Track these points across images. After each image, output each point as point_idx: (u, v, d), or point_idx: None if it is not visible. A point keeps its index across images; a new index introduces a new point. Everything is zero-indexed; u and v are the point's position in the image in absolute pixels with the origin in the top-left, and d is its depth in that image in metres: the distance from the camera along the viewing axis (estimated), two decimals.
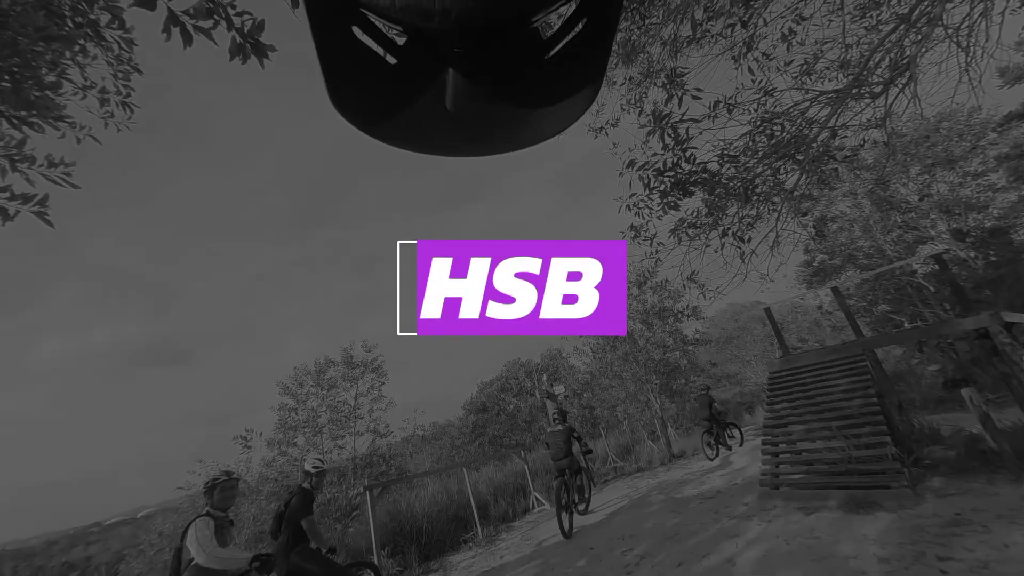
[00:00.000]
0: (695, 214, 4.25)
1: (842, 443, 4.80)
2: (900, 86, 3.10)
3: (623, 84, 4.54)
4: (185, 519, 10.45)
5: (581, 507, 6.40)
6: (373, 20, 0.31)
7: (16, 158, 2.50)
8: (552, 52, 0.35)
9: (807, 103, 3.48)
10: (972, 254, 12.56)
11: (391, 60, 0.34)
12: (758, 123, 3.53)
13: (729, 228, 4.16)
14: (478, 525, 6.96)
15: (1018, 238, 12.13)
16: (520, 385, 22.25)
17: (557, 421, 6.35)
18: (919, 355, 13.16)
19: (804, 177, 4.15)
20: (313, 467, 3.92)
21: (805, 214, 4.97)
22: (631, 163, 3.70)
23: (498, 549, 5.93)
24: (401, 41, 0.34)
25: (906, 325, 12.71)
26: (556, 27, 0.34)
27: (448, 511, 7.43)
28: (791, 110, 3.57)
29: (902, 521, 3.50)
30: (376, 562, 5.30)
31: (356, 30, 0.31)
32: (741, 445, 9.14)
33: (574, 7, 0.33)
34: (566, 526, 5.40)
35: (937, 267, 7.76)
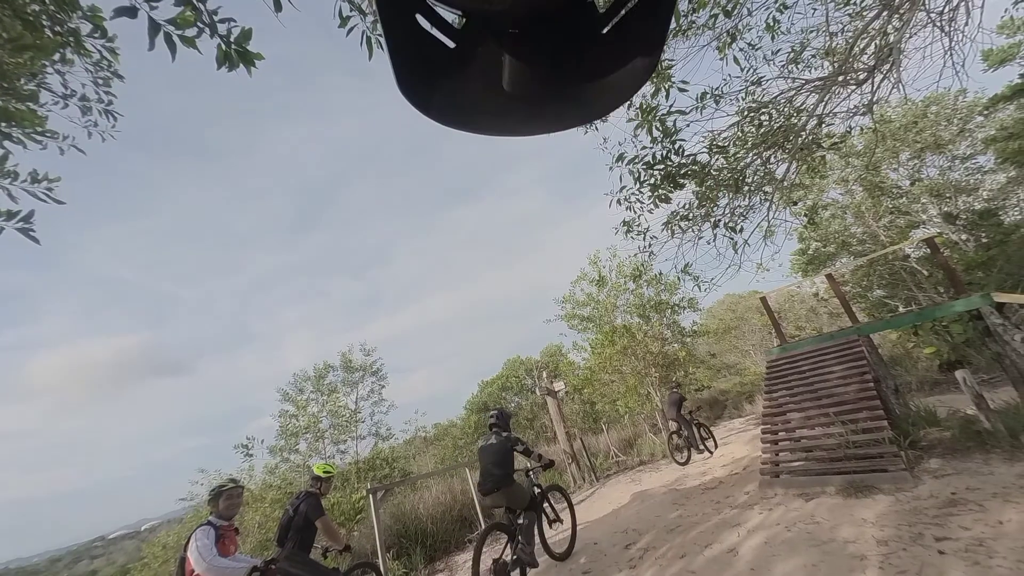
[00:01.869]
0: (686, 206, 4.26)
1: (840, 429, 4.84)
2: (885, 72, 3.12)
3: None
4: (189, 530, 10.40)
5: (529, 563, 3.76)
6: (433, 5, 0.32)
7: None
8: (609, 26, 0.34)
9: (794, 91, 3.50)
10: (963, 237, 12.67)
11: (451, 44, 0.34)
12: (746, 113, 3.55)
13: (721, 219, 4.17)
14: (482, 524, 6.98)
15: (1007, 219, 12.25)
16: (521, 383, 22.28)
17: (491, 429, 4.09)
18: (914, 339, 13.28)
19: (794, 166, 4.17)
20: (324, 472, 3.88)
21: (796, 203, 5.00)
22: (620, 157, 3.70)
23: (500, 547, 5.95)
24: (460, 24, 0.34)
25: (901, 309, 12.82)
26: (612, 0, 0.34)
27: (452, 511, 7.44)
28: (778, 99, 3.58)
29: (900, 503, 3.54)
30: (381, 564, 5.31)
31: (419, 17, 0.32)
32: (711, 453, 8.10)
33: None
34: (529, 560, 3.54)
35: (929, 251, 7.82)
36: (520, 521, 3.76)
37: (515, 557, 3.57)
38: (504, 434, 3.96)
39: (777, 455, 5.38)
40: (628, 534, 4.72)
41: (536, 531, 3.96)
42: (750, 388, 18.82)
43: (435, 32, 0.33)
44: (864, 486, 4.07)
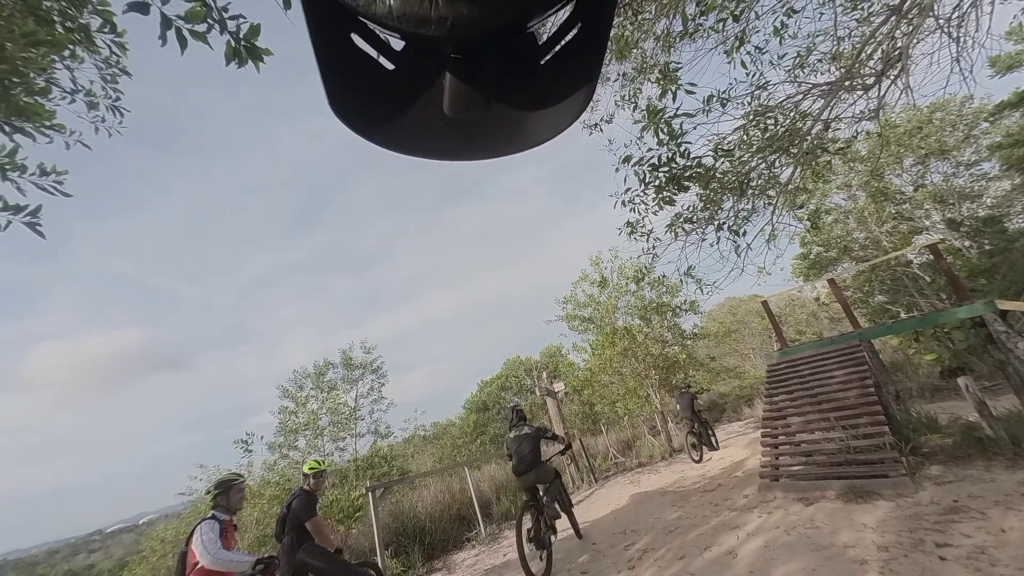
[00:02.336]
0: (690, 209, 4.26)
1: (840, 434, 4.84)
2: (892, 77, 3.12)
3: (617, 80, 4.54)
4: (188, 524, 10.46)
5: (552, 533, 4.49)
6: (371, 27, 0.31)
7: (7, 167, 2.49)
8: (547, 57, 0.35)
9: (800, 96, 3.50)
10: (967, 243, 12.63)
11: (389, 66, 0.34)
12: (752, 117, 3.54)
13: (724, 222, 4.17)
14: (481, 523, 6.99)
15: (1012, 226, 12.21)
16: (520, 383, 22.28)
17: (518, 423, 4.85)
18: (915, 345, 13.25)
19: (798, 170, 4.16)
20: (311, 469, 3.92)
21: (800, 207, 5.00)
22: (626, 159, 3.71)
23: (501, 547, 5.96)
24: (399, 47, 0.34)
25: (902, 315, 12.79)
26: (551, 33, 0.35)
27: (451, 510, 7.45)
28: (784, 103, 3.58)
29: (900, 509, 3.53)
30: (380, 562, 5.32)
31: (355, 37, 0.32)
32: (715, 448, 8.61)
33: (568, 13, 0.33)
34: (536, 568, 3.91)
35: (932, 257, 7.81)
36: (545, 495, 4.61)
37: (545, 523, 4.32)
38: (534, 425, 4.81)
39: (777, 459, 5.38)
40: (627, 535, 4.72)
41: (558, 497, 4.75)
42: (749, 392, 18.80)
43: (372, 52, 0.33)
44: (864, 491, 4.07)
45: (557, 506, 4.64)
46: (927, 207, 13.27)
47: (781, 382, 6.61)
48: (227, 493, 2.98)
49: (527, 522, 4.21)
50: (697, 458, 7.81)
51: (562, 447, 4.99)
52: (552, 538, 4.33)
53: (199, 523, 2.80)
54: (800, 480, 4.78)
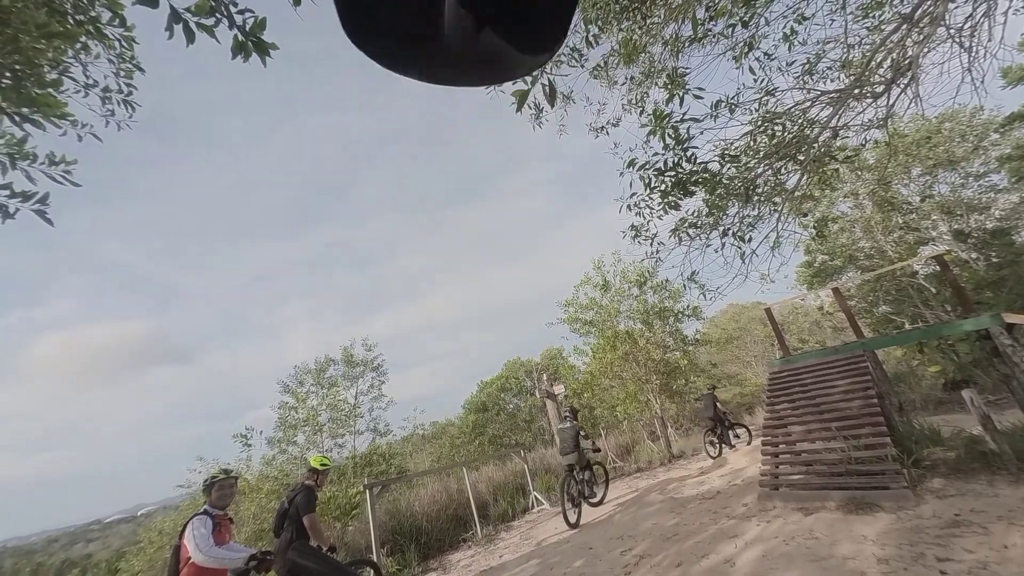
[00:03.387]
0: (696, 214, 4.24)
1: (842, 444, 4.80)
2: (902, 86, 3.10)
3: (624, 84, 4.54)
4: (185, 517, 10.48)
5: (593, 500, 6.77)
6: None
7: (16, 156, 2.51)
8: None
9: (808, 103, 3.48)
10: (974, 255, 12.53)
11: None
12: (759, 123, 3.53)
13: (730, 228, 4.15)
14: (477, 524, 6.97)
15: (1019, 239, 12.10)
16: (520, 385, 22.24)
17: (567, 419, 6.84)
18: (920, 356, 13.13)
19: (805, 177, 4.14)
20: (321, 465, 3.95)
21: (806, 214, 4.96)
22: (632, 163, 3.70)
23: (497, 548, 5.94)
24: None
25: (907, 326, 12.69)
26: None
27: (447, 510, 7.44)
28: (792, 110, 3.56)
29: (901, 522, 3.50)
30: (375, 559, 5.31)
31: None
32: (749, 443, 9.12)
33: None
34: (572, 517, 5.76)
35: (938, 268, 7.75)
36: (581, 476, 6.47)
37: (579, 489, 6.29)
38: (575, 422, 6.69)
39: (777, 467, 5.34)
40: (624, 540, 4.70)
41: (597, 477, 6.98)
42: (750, 399, 18.70)
43: None
44: (865, 503, 4.03)
45: (586, 481, 6.58)
46: (934, 218, 13.18)
47: (783, 390, 6.56)
48: (209, 490, 2.99)
49: (569, 487, 5.99)
50: (715, 454, 8.37)
51: (592, 447, 6.78)
52: (588, 500, 6.49)
53: (192, 518, 2.80)
54: (800, 489, 4.74)
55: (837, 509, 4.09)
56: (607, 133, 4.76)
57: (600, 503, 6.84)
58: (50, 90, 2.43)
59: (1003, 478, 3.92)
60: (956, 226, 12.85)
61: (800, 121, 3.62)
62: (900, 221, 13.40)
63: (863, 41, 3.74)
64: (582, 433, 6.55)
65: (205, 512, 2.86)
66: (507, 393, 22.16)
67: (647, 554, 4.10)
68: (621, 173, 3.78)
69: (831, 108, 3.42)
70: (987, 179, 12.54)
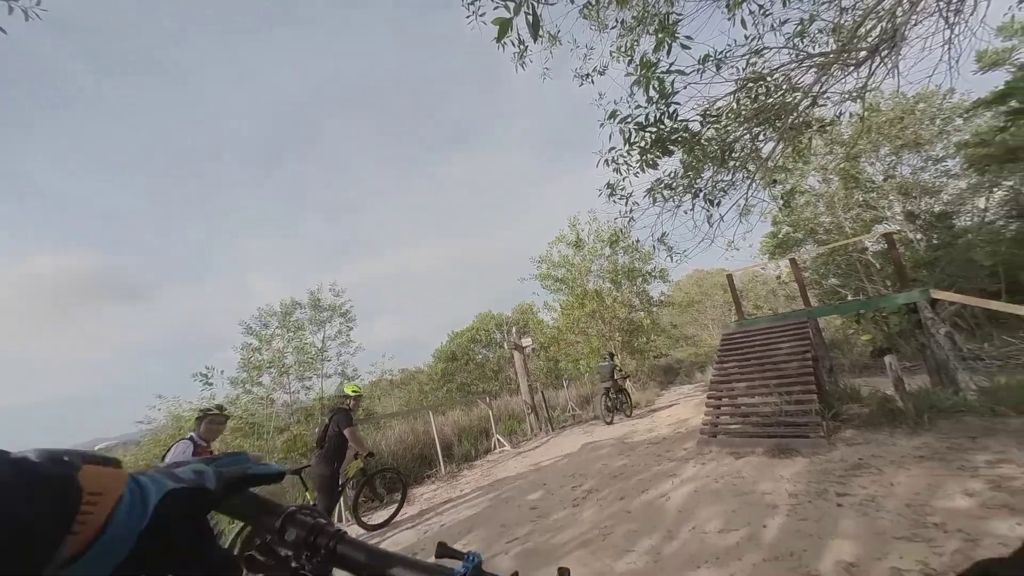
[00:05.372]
0: (671, 175, 4.24)
1: (776, 399, 5.32)
2: (883, 55, 3.10)
3: (615, 28, 4.27)
4: (147, 451, 10.47)
5: (619, 417, 9.08)
6: None
7: None
8: None
9: (795, 65, 3.42)
10: (919, 236, 13.44)
11: None
12: (744, 82, 3.46)
13: (702, 190, 4.20)
14: (441, 463, 7.39)
15: (959, 223, 13.03)
16: (490, 337, 22.75)
17: (606, 358, 9.53)
18: (856, 326, 14.40)
19: (781, 145, 4.19)
20: (354, 392, 4.77)
21: (776, 181, 5.07)
22: (613, 114, 3.58)
23: (459, 483, 6.36)
24: None
25: (849, 298, 13.74)
26: None
27: (413, 450, 7.80)
28: (777, 73, 3.51)
29: (814, 465, 4.00)
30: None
31: None
32: (629, 415, 9.27)
33: None
34: (608, 419, 8.55)
35: (886, 246, 8.29)
36: (614, 395, 9.14)
37: (613, 403, 9.04)
38: (612, 361, 9.42)
39: (718, 418, 5.89)
40: (575, 478, 5.14)
41: (625, 400, 9.45)
42: (703, 359, 20.11)
43: None
44: (788, 449, 4.56)
45: (619, 400, 9.22)
46: (891, 198, 13.86)
47: (734, 350, 7.08)
48: (200, 422, 3.12)
49: (604, 402, 8.75)
50: (609, 420, 8.68)
51: (622, 376, 9.85)
52: (623, 411, 9.26)
53: (175, 443, 2.89)
54: (735, 437, 5.28)
55: (764, 454, 4.61)
56: (592, 82, 4.55)
57: (631, 415, 9.20)
58: None
59: (903, 430, 4.52)
60: (909, 207, 13.62)
61: (783, 85, 3.59)
62: (861, 199, 14.02)
63: (856, 4, 3.65)
64: (617, 368, 9.26)
65: (190, 438, 2.95)
66: (477, 344, 22.67)
67: (595, 489, 4.53)
68: (601, 124, 3.67)
69: (815, 73, 3.39)
70: (944, 164, 13.17)
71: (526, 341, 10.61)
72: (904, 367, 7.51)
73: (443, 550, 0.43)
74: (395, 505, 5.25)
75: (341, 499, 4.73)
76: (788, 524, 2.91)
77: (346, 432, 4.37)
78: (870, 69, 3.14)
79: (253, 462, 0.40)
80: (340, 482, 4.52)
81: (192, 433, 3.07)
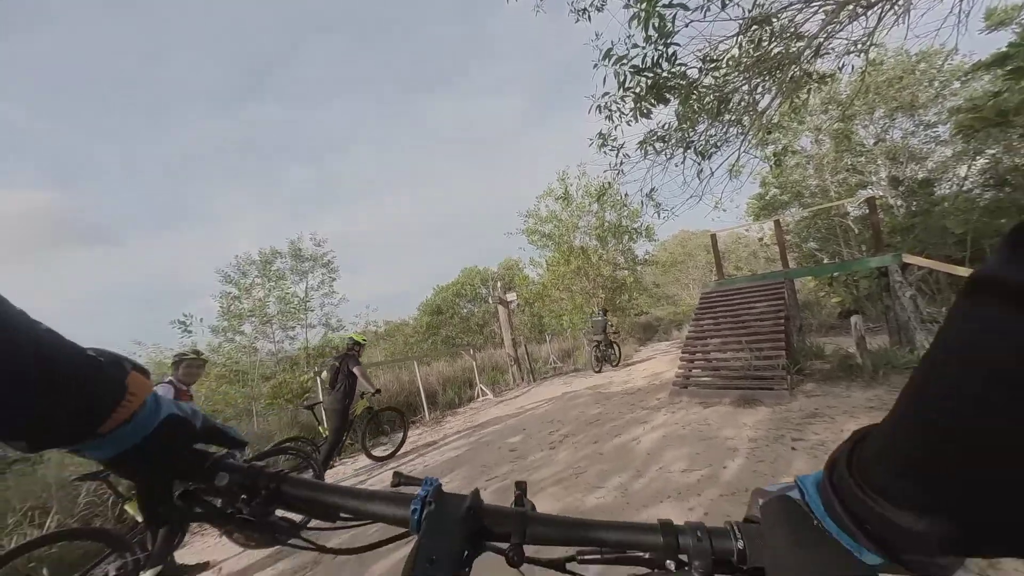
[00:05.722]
0: (665, 127, 4.09)
1: (747, 355, 5.59)
2: (893, 1, 2.93)
3: None
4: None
5: (611, 364, 9.71)
6: None
7: None
8: None
9: (802, 5, 3.21)
10: (899, 202, 13.66)
11: None
12: (749, 22, 3.24)
13: (694, 142, 4.09)
14: (426, 409, 7.66)
15: (939, 191, 13.24)
16: (475, 292, 22.86)
17: (599, 313, 9.85)
18: (828, 288, 14.95)
19: (778, 100, 4.05)
20: (363, 339, 5.23)
21: (770, 132, 4.95)
22: (607, 53, 3.34)
23: (442, 428, 6.65)
24: None
25: (825, 262, 14.14)
26: None
27: (398, 398, 8.03)
28: (783, 12, 3.29)
29: (775, 414, 4.30)
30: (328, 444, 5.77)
31: None
32: (616, 365, 9.89)
33: None
34: (597, 368, 9.23)
35: (867, 210, 8.41)
36: (605, 347, 9.61)
37: (604, 354, 9.60)
38: (605, 317, 9.79)
39: (690, 371, 6.19)
40: (553, 424, 5.42)
41: (615, 352, 9.99)
42: (682, 318, 20.80)
43: None
44: (752, 400, 4.87)
45: (608, 353, 9.73)
46: (879, 163, 13.88)
47: (710, 308, 7.30)
48: (178, 366, 3.13)
49: (596, 353, 9.36)
50: (598, 369, 9.39)
51: (613, 330, 10.22)
52: (610, 362, 9.76)
53: (156, 385, 2.87)
54: (704, 388, 5.59)
55: (731, 404, 4.92)
56: (589, 18, 4.21)
57: (617, 366, 9.74)
58: None
59: (859, 384, 4.85)
60: (895, 172, 13.70)
61: (789, 30, 3.39)
62: (849, 162, 14.00)
63: None
64: (609, 323, 9.78)
65: (169, 382, 2.97)
66: (462, 299, 22.80)
67: (571, 434, 4.79)
68: (595, 65, 3.44)
69: (823, 19, 3.20)
70: (935, 129, 13.11)
71: (511, 296, 10.70)
72: (868, 328, 7.93)
73: (399, 478, 0.43)
74: (400, 438, 5.59)
75: (348, 433, 5.11)
76: (746, 465, 3.16)
77: (356, 370, 4.80)
78: (880, 15, 2.97)
79: (226, 426, 0.46)
80: (350, 417, 4.95)
81: (170, 376, 3.10)
